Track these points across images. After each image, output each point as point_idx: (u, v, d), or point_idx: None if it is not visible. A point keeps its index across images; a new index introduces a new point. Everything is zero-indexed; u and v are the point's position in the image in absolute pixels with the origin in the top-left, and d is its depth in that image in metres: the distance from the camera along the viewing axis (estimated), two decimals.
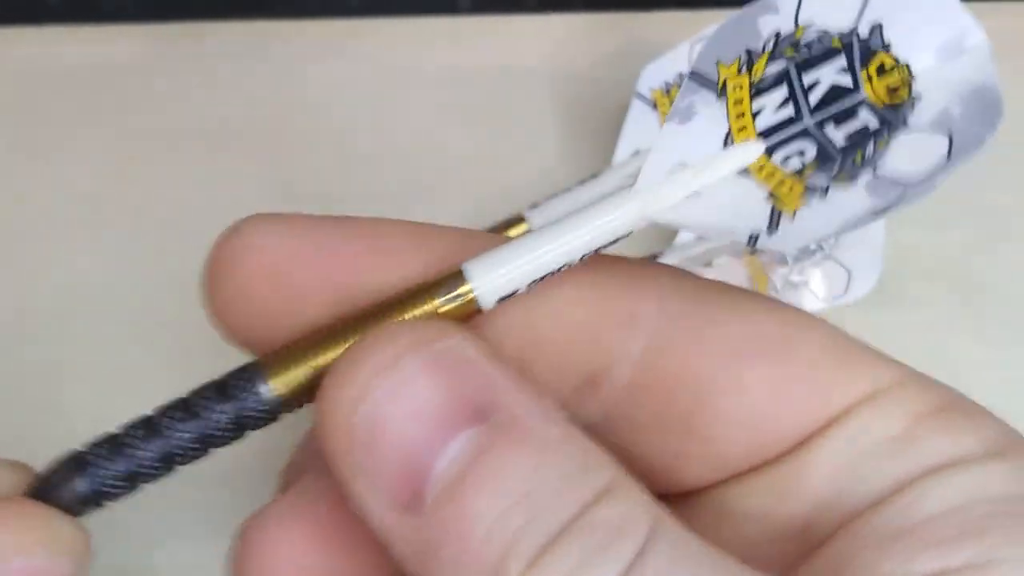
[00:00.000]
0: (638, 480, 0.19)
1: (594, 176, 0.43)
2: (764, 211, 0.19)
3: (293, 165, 0.46)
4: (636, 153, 0.44)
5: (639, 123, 0.44)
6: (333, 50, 0.49)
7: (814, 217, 0.19)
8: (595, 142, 0.46)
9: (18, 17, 0.49)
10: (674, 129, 0.19)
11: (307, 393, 0.19)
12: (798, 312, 0.21)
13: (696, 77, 0.19)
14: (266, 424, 0.19)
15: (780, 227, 0.19)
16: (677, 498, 0.21)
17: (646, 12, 0.50)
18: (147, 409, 0.19)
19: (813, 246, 0.41)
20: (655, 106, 0.44)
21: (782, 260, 0.42)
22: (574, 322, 0.20)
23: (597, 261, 0.20)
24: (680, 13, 0.49)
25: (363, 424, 0.17)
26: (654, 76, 0.44)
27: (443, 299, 0.19)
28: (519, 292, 0.19)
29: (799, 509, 0.20)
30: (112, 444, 0.19)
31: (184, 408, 0.19)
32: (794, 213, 0.19)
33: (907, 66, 0.19)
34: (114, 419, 0.38)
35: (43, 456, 0.19)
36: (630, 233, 0.19)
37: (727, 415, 0.20)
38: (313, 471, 0.21)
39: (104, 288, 0.43)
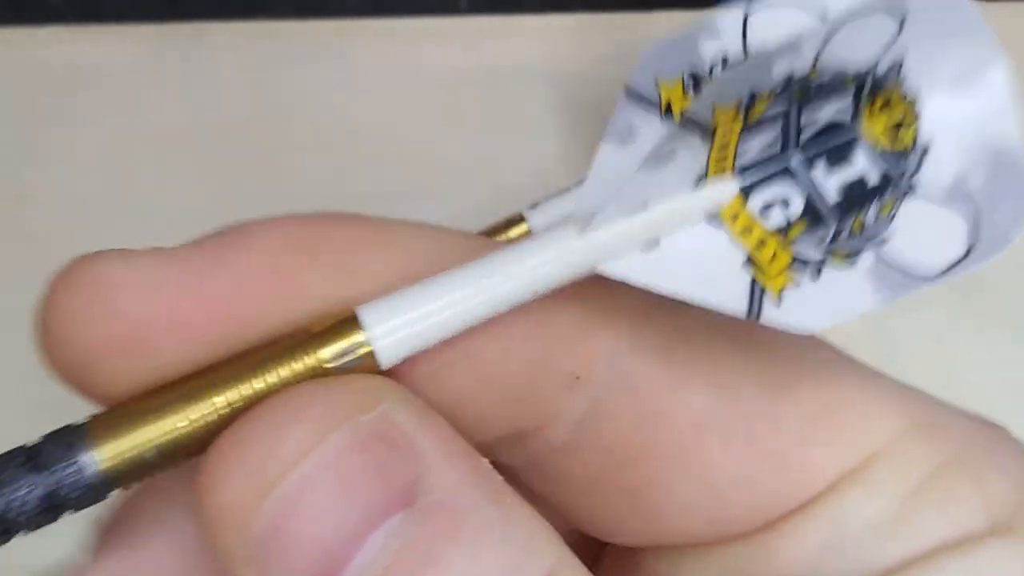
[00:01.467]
0: (572, 536, 0.17)
1: None
2: (742, 283, 0.15)
3: (293, 165, 0.46)
4: None
5: None
6: (333, 50, 0.49)
7: (804, 303, 0.15)
8: (595, 142, 0.46)
9: (18, 17, 0.49)
10: (645, 175, 0.16)
11: (147, 467, 0.15)
12: (787, 357, 0.17)
13: (633, 95, 0.16)
14: (89, 504, 0.15)
15: (763, 312, 0.15)
16: (616, 548, 0.19)
17: (646, 12, 0.50)
18: None
19: None
20: None
21: None
22: (504, 379, 0.16)
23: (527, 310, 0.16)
24: (680, 13, 0.49)
25: (267, 522, 0.14)
26: None
27: (331, 353, 0.15)
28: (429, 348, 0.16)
29: None
30: None
31: None
32: (779, 294, 0.15)
33: (912, 101, 0.16)
34: None
35: None
36: (570, 282, 0.16)
37: (682, 495, 0.17)
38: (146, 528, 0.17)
39: None
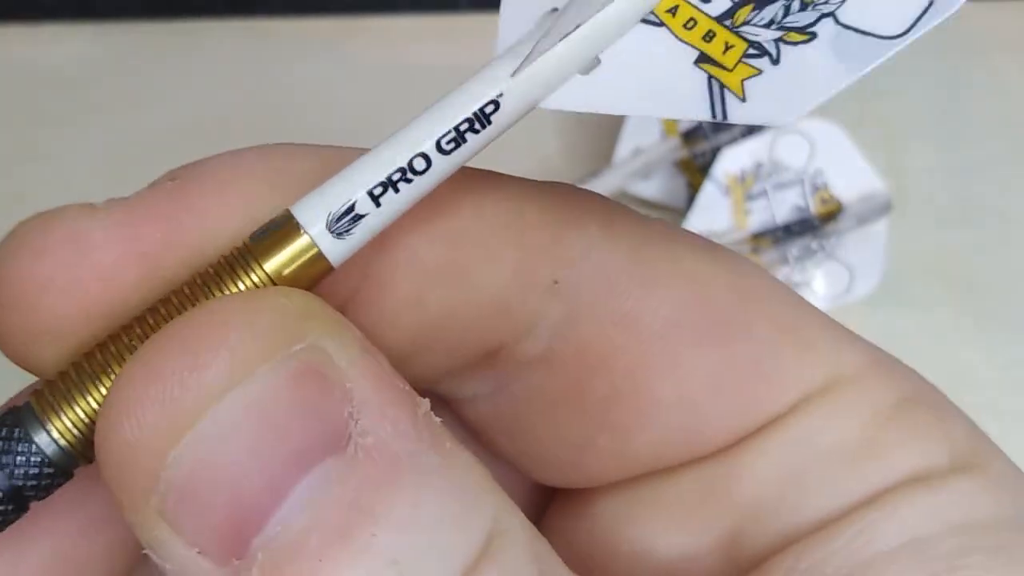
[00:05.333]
0: (520, 478, 0.17)
1: (594, 175, 0.43)
2: (699, 85, 0.14)
3: None
4: (637, 152, 0.44)
5: (639, 121, 0.44)
6: (332, 48, 0.49)
7: (771, 93, 0.14)
8: (595, 141, 0.46)
9: (14, 15, 0.49)
10: None
11: None
12: (751, 270, 0.17)
13: None
14: (58, 487, 0.14)
15: (728, 110, 0.14)
16: (571, 492, 0.18)
17: None
18: None
19: (814, 245, 0.41)
20: None
21: (783, 259, 0.42)
22: (488, 289, 0.16)
23: (511, 197, 0.16)
24: None
25: (181, 468, 0.12)
26: None
27: (275, 261, 0.14)
28: (379, 230, 0.14)
29: (728, 520, 0.16)
30: None
31: None
32: (742, 88, 0.14)
33: None
34: None
35: None
36: (511, 125, 0.14)
37: (655, 405, 0.16)
38: None
39: None
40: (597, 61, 0.14)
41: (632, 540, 0.17)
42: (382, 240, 0.15)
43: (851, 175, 0.41)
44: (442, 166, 0.14)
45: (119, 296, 0.14)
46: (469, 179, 0.15)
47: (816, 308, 0.17)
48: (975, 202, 0.45)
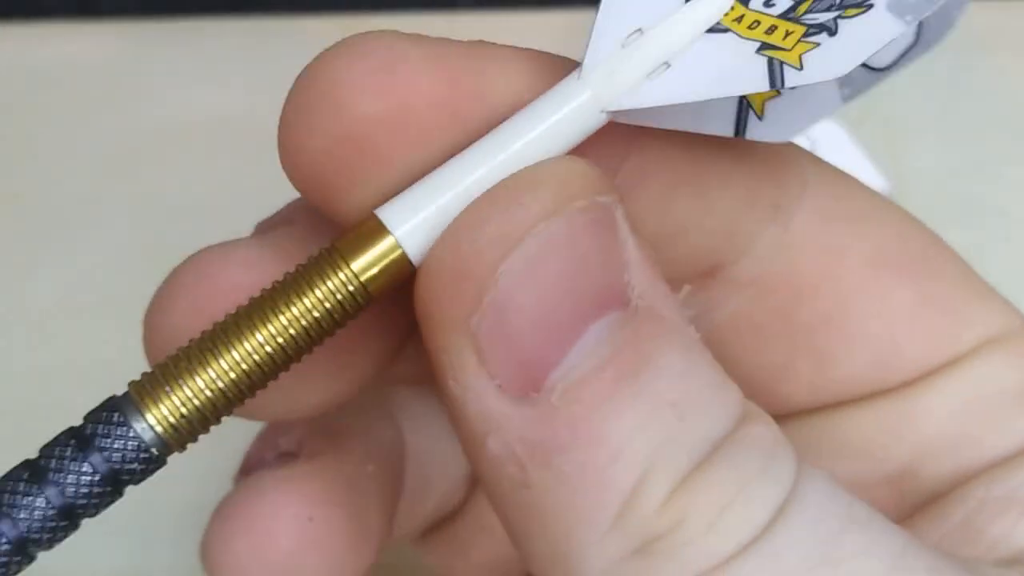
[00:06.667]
0: None
1: None
2: (759, 68, 0.15)
3: None
4: None
5: None
6: None
7: (828, 58, 0.15)
8: None
9: (14, 15, 0.49)
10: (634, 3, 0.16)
11: (201, 423, 0.15)
12: (931, 232, 0.19)
13: None
14: (151, 472, 0.15)
15: (785, 79, 0.15)
16: None
17: None
18: None
19: None
20: None
21: None
22: (717, 204, 0.17)
23: (737, 143, 0.17)
24: None
25: (501, 291, 0.14)
26: None
27: (365, 262, 0.15)
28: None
29: (906, 452, 0.18)
30: None
31: (32, 473, 0.14)
32: (800, 61, 0.15)
33: None
34: None
35: None
36: (588, 135, 0.16)
37: (859, 334, 0.17)
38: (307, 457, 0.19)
39: (103, 288, 0.43)
40: (667, 66, 0.15)
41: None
42: (633, 144, 0.16)
43: (852, 174, 0.41)
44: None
45: (413, 112, 0.16)
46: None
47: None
48: (976, 202, 0.44)
